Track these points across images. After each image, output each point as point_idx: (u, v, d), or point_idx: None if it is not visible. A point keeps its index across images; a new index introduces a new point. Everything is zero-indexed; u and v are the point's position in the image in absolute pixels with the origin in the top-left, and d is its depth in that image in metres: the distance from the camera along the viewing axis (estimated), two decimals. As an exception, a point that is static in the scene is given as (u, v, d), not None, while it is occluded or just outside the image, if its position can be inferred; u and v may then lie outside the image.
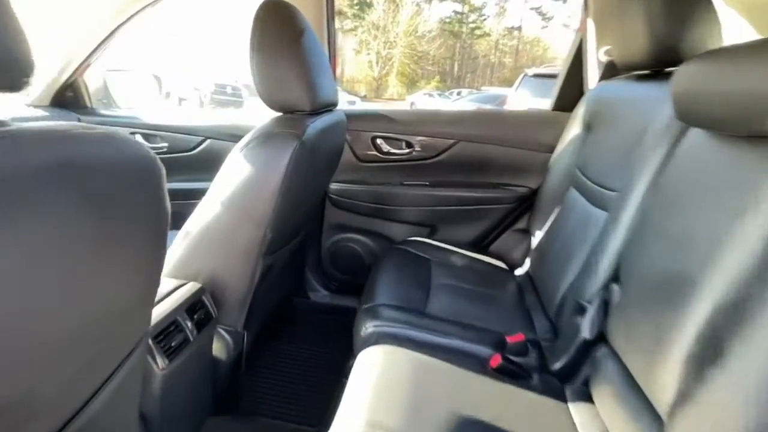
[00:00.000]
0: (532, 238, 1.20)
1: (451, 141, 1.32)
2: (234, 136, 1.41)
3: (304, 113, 0.85)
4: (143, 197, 0.40)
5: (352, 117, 1.29)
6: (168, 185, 1.39)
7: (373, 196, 1.36)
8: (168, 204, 0.44)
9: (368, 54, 25.95)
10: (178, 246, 0.84)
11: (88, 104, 1.50)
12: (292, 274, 1.38)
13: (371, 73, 26.16)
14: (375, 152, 1.37)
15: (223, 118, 1.45)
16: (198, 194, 1.48)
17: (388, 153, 1.37)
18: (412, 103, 17.30)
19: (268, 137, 0.78)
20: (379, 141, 1.36)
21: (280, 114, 0.86)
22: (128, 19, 1.28)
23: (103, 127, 0.38)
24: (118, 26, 1.30)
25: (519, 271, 1.20)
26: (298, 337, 1.36)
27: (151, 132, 1.46)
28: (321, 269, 1.48)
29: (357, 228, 1.43)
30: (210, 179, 1.47)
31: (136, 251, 0.41)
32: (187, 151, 1.46)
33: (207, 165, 1.48)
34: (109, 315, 0.39)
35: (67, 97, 1.44)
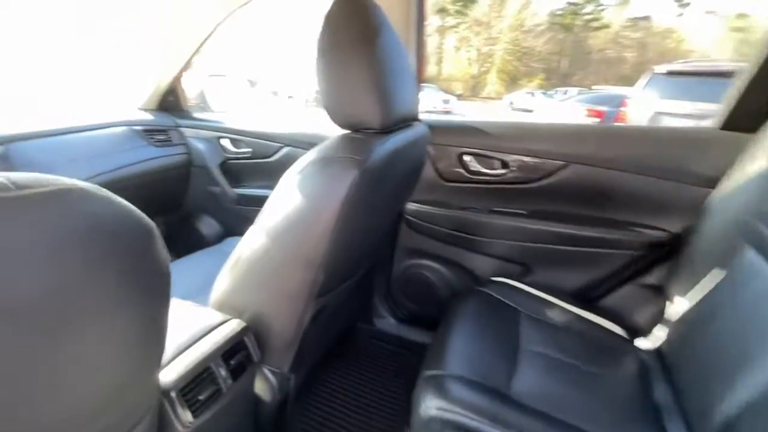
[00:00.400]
0: (669, 302, 0.88)
1: (561, 163, 1.05)
2: (313, 146, 1.34)
3: (372, 132, 0.70)
4: (129, 263, 0.33)
5: (436, 129, 1.11)
6: (245, 191, 1.37)
7: (455, 222, 1.16)
8: (164, 263, 0.37)
9: (468, 51, 25.16)
10: (226, 274, 0.76)
11: (185, 108, 1.57)
12: (357, 300, 1.26)
13: (470, 70, 25.33)
14: (461, 170, 1.16)
15: (305, 126, 1.38)
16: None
17: (478, 172, 1.15)
18: (510, 102, 16.28)
19: (324, 163, 0.64)
20: (467, 158, 1.16)
21: (346, 132, 0.73)
22: (221, 22, 1.29)
23: (86, 184, 0.30)
24: (212, 32, 1.31)
25: (644, 343, 0.90)
26: (356, 368, 1.23)
27: (236, 137, 1.47)
28: (390, 295, 1.34)
29: (434, 255, 1.25)
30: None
31: (126, 323, 0.34)
32: (266, 158, 1.43)
33: (285, 172, 1.44)
34: (103, 394, 0.35)
35: (169, 102, 1.53)
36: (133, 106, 1.50)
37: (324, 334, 0.97)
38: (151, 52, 1.41)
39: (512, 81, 24.75)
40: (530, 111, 11.94)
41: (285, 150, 1.38)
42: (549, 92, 14.99)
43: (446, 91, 15.14)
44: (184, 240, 1.80)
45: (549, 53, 25.64)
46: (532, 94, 15.79)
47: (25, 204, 0.25)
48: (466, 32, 24.93)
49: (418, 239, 1.24)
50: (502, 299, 0.98)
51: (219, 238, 1.71)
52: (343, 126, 0.72)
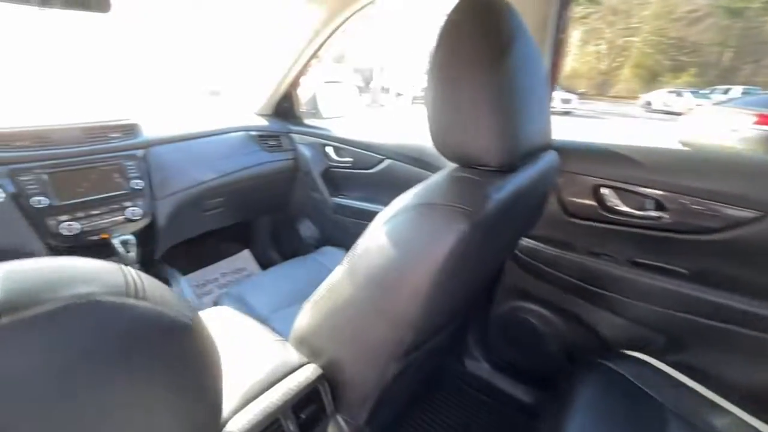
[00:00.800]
0: None
1: (752, 213, 0.75)
2: (417, 161, 1.23)
3: (490, 170, 0.56)
4: (156, 362, 0.30)
5: (566, 152, 0.89)
6: (343, 201, 1.33)
7: (580, 269, 0.94)
8: (203, 351, 0.34)
9: (597, 44, 22.38)
10: (309, 309, 0.70)
11: (297, 114, 1.61)
12: (448, 340, 1.12)
13: (598, 66, 22.52)
14: (596, 206, 0.93)
15: (410, 137, 1.29)
16: (368, 216, 1.41)
17: (618, 211, 0.91)
18: (647, 102, 13.98)
19: (425, 210, 0.51)
20: (605, 191, 0.92)
21: (455, 166, 0.59)
22: (339, 26, 1.26)
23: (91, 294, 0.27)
24: (330, 37, 1.30)
25: None
26: (441, 416, 1.10)
27: (339, 145, 1.45)
28: (486, 337, 1.17)
29: (545, 300, 1.04)
30: (384, 202, 1.37)
31: (169, 414, 0.33)
32: (367, 169, 1.38)
33: (384, 186, 1.36)
34: None
35: (283, 107, 1.58)
36: (251, 110, 1.59)
37: (408, 384, 0.86)
38: (267, 58, 1.46)
39: (651, 77, 21.22)
40: (675, 114, 9.96)
41: (386, 163, 1.31)
42: (702, 91, 12.41)
43: (567, 90, 13.67)
44: (288, 240, 1.88)
45: (707, 43, 21.24)
46: (678, 93, 13.26)
47: (17, 332, 0.20)
48: (597, 23, 22.15)
49: (529, 280, 1.05)
50: (638, 383, 0.74)
51: (317, 243, 1.74)
52: (452, 160, 0.59)
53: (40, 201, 0.97)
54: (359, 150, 1.38)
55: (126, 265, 0.97)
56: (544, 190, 0.78)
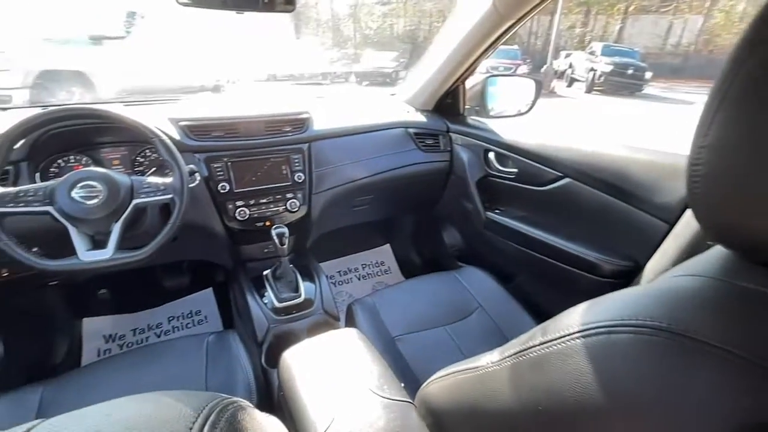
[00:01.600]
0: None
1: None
2: (611, 188, 0.92)
3: None
4: None
5: None
6: (498, 217, 1.13)
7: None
8: None
9: None
10: (444, 382, 0.55)
11: (461, 112, 1.44)
12: None
13: None
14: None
15: (603, 148, 0.98)
16: (526, 241, 1.17)
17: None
18: None
19: (677, 345, 0.29)
20: None
21: (723, 253, 0.34)
22: (522, 19, 1.03)
23: None
24: (509, 28, 1.08)
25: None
26: None
27: (504, 152, 1.23)
28: None
29: None
30: (552, 229, 1.10)
31: None
32: (536, 185, 1.13)
33: (555, 210, 1.10)
34: None
35: (446, 104, 1.44)
36: (411, 105, 1.49)
37: None
38: (437, 50, 1.32)
39: None
40: None
41: (564, 182, 1.04)
42: None
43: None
44: (429, 243, 1.79)
45: None
46: None
47: None
48: None
49: None
50: None
51: (460, 255, 1.59)
52: (723, 240, 0.34)
53: (224, 186, 1.08)
54: (529, 162, 1.14)
55: (281, 255, 0.97)
56: None
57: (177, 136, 1.02)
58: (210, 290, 1.65)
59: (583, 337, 0.32)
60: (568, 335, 0.33)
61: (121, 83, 4.40)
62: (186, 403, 0.27)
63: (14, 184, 0.89)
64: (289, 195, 1.17)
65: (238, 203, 1.11)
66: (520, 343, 0.40)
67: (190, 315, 1.57)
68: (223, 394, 0.32)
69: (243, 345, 0.89)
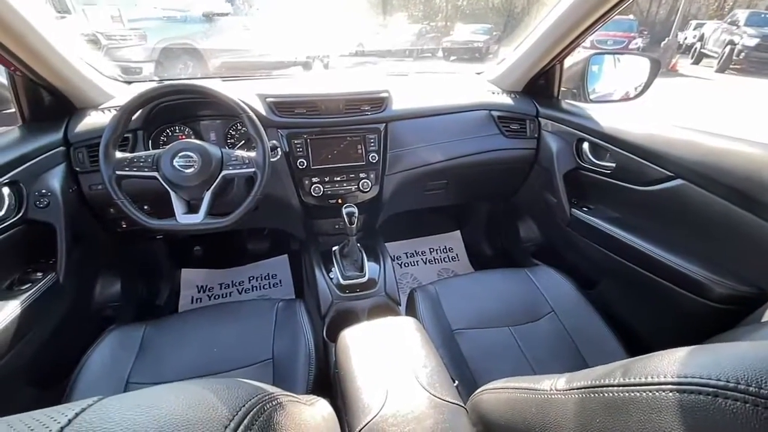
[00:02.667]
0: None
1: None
2: (741, 197, 0.75)
3: None
4: None
5: None
6: (588, 217, 1.13)
7: None
8: None
9: None
10: (498, 394, 0.52)
11: (555, 95, 1.30)
12: None
13: None
14: None
15: (735, 146, 0.79)
16: (619, 248, 1.02)
17: None
18: None
19: None
20: None
21: None
22: None
23: None
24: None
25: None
26: None
27: (601, 143, 1.08)
28: None
29: None
30: (651, 239, 0.94)
31: None
32: (639, 184, 0.98)
33: (661, 216, 0.94)
34: None
35: (538, 85, 1.31)
36: (498, 85, 1.38)
37: None
38: (538, 27, 1.18)
39: None
40: None
41: (676, 183, 0.88)
42: None
43: None
44: (503, 234, 1.69)
45: None
46: None
47: None
48: None
49: None
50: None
51: (535, 252, 1.48)
52: None
53: (302, 162, 1.13)
54: (632, 156, 0.98)
55: (349, 234, 0.99)
56: None
57: (263, 112, 1.07)
58: (285, 257, 1.77)
59: (679, 392, 0.26)
60: (659, 384, 0.28)
61: (224, 58, 4.81)
62: (225, 400, 0.28)
63: (132, 149, 1.03)
64: (362, 175, 1.18)
65: (314, 179, 1.15)
66: (595, 376, 0.35)
67: (267, 277, 1.71)
68: (267, 388, 0.33)
69: (308, 315, 0.94)
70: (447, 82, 1.45)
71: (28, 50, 0.84)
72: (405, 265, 1.76)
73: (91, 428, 0.24)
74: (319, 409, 0.46)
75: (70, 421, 0.24)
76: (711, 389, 0.24)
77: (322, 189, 1.15)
